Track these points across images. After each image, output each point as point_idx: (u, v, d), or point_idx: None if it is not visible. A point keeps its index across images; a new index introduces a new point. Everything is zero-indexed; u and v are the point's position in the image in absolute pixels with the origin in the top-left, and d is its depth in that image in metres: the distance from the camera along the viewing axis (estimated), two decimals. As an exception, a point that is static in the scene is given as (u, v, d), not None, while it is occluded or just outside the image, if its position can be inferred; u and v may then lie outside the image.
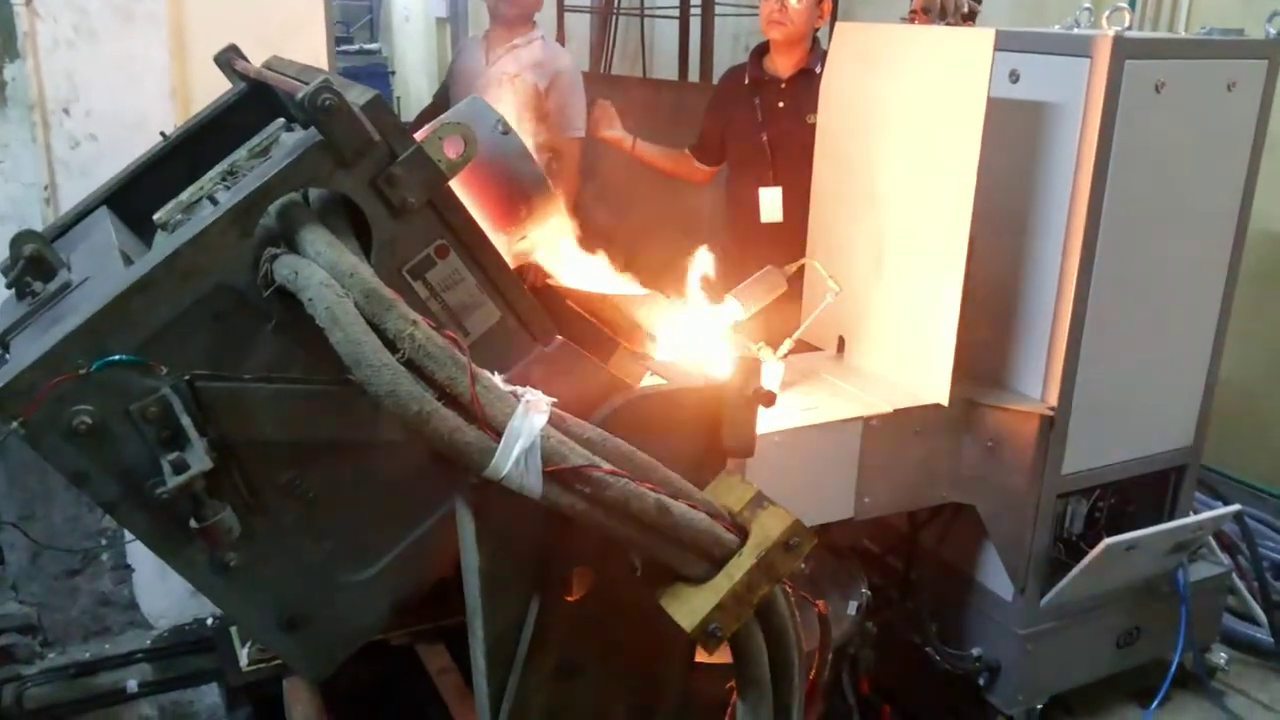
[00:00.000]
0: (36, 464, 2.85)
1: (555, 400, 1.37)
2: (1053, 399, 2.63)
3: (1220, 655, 3.17)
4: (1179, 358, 2.85)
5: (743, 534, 1.51)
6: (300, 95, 1.35)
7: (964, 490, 2.71)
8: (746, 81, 3.65)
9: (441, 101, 4.21)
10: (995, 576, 2.83)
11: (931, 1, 3.28)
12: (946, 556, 2.95)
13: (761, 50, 3.65)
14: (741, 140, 3.68)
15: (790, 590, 1.60)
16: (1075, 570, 2.68)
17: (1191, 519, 2.88)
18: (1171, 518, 2.95)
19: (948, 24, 3.28)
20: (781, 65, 3.58)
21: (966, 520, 2.79)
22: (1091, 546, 2.65)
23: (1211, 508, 3.30)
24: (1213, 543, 3.18)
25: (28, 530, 2.90)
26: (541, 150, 1.86)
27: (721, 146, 3.82)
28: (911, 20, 3.55)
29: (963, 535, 2.87)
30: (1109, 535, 2.65)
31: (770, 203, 3.58)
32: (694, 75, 6.37)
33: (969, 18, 3.37)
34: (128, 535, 2.95)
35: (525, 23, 3.95)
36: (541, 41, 3.99)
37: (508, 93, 2.27)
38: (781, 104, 3.57)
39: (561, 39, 7.07)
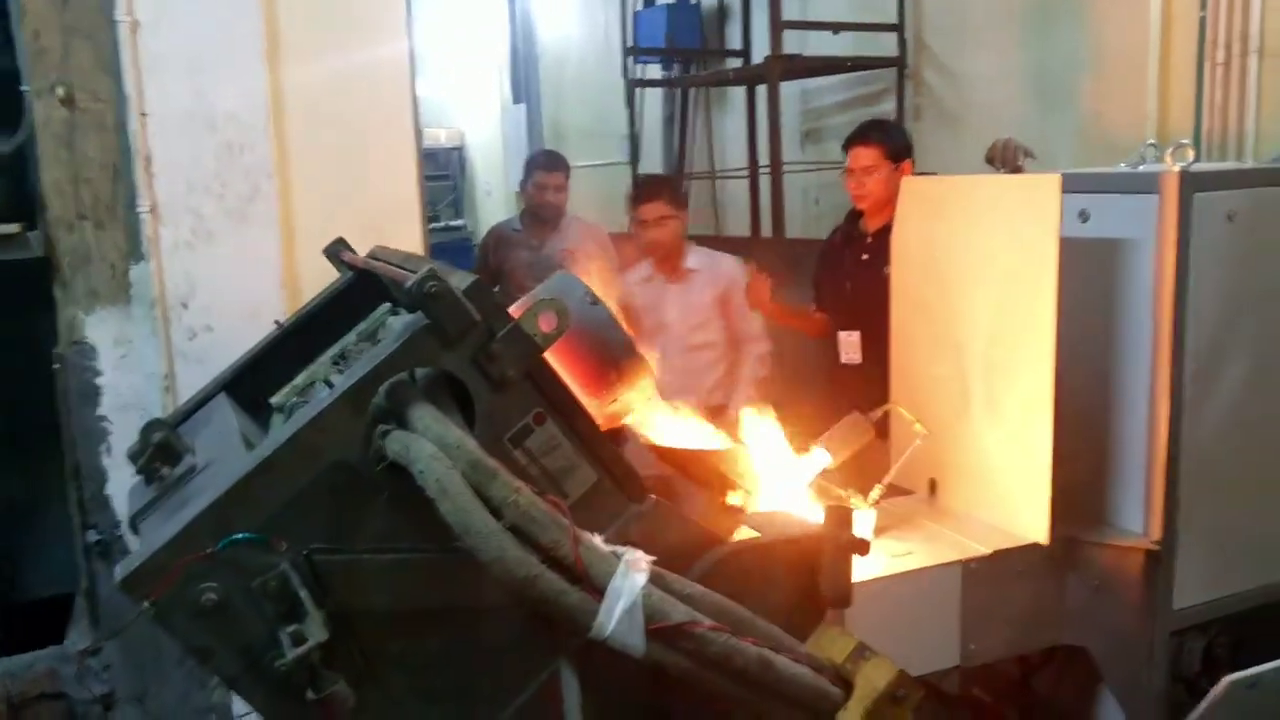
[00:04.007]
0: (152, 642, 2.95)
1: (655, 559, 1.41)
2: (1156, 533, 2.56)
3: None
4: (1286, 482, 2.76)
5: (847, 687, 1.50)
6: (408, 284, 1.47)
7: (1074, 632, 2.63)
8: (839, 238, 4.04)
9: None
10: (1115, 723, 2.71)
11: (994, 153, 3.40)
12: (1063, 702, 2.83)
13: (859, 211, 3.95)
14: (831, 290, 4.02)
15: (901, 744, 1.58)
16: (1196, 712, 2.55)
17: (1322, 653, 2.74)
18: (1300, 652, 2.80)
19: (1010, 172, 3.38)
20: (871, 224, 3.87)
21: (1080, 663, 2.69)
22: (1213, 686, 2.53)
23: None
24: (1349, 679, 2.99)
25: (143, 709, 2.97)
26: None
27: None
28: None
29: (1078, 679, 2.76)
30: (1231, 672, 2.54)
31: (848, 345, 3.86)
32: (766, 230, 6.56)
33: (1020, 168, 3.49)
34: (236, 711, 3.02)
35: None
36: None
37: (582, 263, 2.41)
38: (865, 256, 3.84)
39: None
